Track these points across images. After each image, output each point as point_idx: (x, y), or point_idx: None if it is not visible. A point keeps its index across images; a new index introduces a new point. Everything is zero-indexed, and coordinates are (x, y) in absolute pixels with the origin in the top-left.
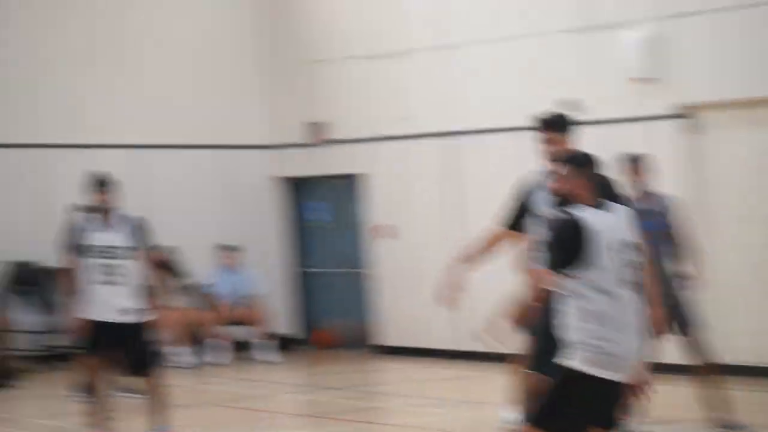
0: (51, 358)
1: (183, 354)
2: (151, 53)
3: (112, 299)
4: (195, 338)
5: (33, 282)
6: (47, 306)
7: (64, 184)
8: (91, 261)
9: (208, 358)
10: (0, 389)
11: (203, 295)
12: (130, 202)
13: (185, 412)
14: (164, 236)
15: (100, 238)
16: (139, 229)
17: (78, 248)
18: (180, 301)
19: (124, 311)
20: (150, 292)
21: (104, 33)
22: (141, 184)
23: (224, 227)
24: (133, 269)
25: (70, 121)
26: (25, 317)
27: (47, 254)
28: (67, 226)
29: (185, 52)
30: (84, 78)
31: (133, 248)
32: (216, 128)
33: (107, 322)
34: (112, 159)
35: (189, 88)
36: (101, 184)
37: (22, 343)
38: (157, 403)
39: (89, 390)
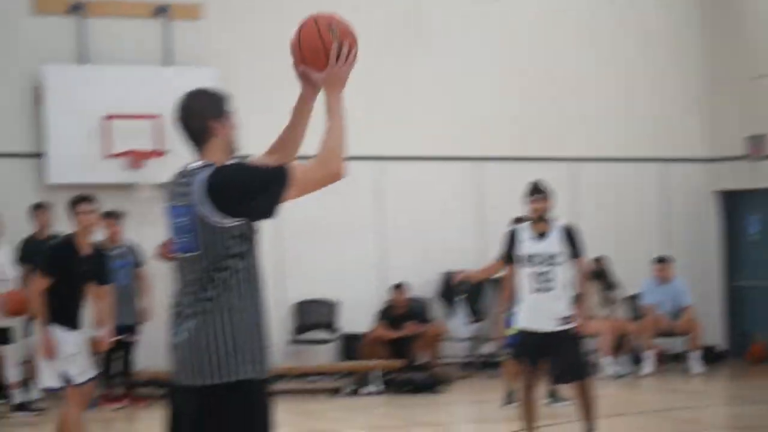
0: (481, 365)
1: (610, 364)
2: (586, 61)
3: (546, 308)
4: (622, 348)
5: (462, 291)
6: (476, 314)
7: (497, 195)
8: (527, 270)
9: (636, 368)
10: (431, 395)
11: (634, 306)
12: (563, 211)
13: (612, 421)
14: (595, 246)
15: (536, 246)
16: (572, 237)
17: (514, 257)
18: (609, 311)
19: (558, 320)
20: (581, 301)
21: None
22: (571, 194)
23: (659, 239)
24: (566, 277)
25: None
26: (455, 325)
27: (472, 264)
28: (506, 235)
29: (620, 62)
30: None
31: (567, 256)
32: (654, 141)
33: (539, 331)
34: (552, 171)
35: (623, 100)
36: (537, 191)
37: (453, 350)
38: (586, 412)
39: (516, 397)
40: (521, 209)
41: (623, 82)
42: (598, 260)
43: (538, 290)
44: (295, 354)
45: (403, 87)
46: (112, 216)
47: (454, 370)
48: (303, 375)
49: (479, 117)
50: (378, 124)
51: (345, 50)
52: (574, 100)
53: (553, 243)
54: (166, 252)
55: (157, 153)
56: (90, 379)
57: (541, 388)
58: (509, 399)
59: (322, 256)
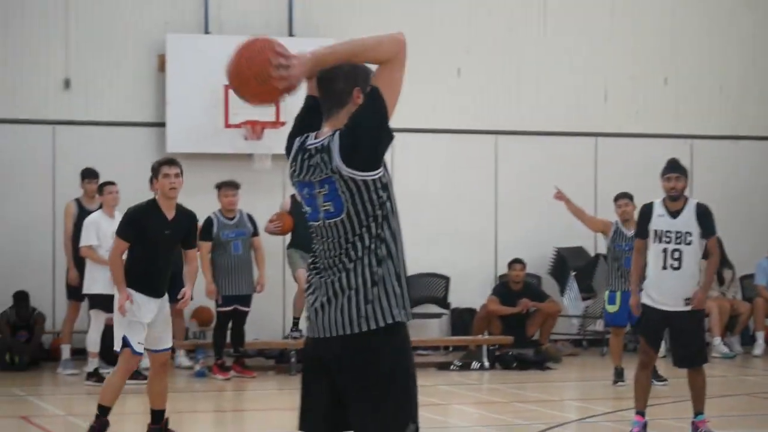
0: (591, 343)
1: (721, 343)
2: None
3: (673, 286)
4: (734, 328)
5: (577, 268)
6: (587, 291)
7: (611, 170)
8: (657, 246)
9: (747, 348)
10: (540, 372)
11: (747, 286)
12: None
13: (721, 401)
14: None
15: (670, 223)
16: (705, 216)
17: (648, 233)
18: (722, 290)
19: (684, 300)
20: (707, 281)
21: None
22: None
23: None
24: (697, 257)
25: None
26: (567, 302)
27: (584, 240)
28: (642, 210)
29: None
30: None
31: (699, 235)
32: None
33: (663, 309)
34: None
35: (743, 79)
36: (675, 169)
37: (564, 327)
38: (697, 396)
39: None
40: (638, 184)
41: (742, 59)
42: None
43: (668, 267)
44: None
45: (519, 60)
46: (229, 186)
47: (564, 347)
48: (413, 348)
49: (596, 92)
50: (494, 98)
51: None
52: (691, 77)
53: (687, 221)
54: (275, 227)
55: (276, 123)
56: (165, 349)
57: (653, 367)
58: (618, 377)
59: (435, 229)
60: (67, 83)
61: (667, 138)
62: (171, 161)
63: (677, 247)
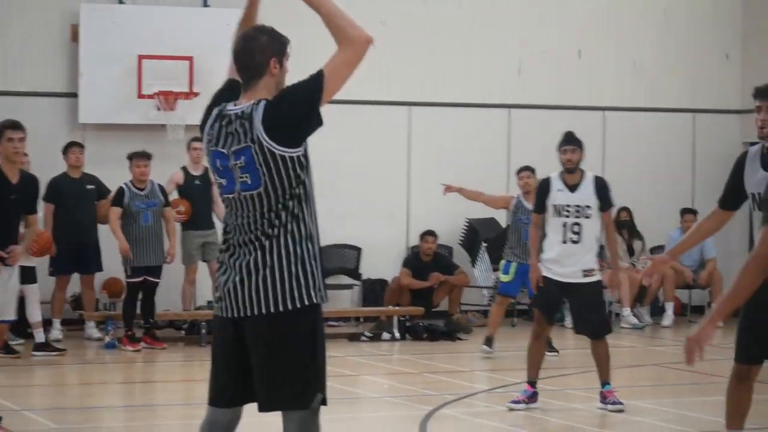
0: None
1: (630, 314)
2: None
3: (573, 259)
4: (643, 299)
5: (488, 239)
6: (497, 262)
7: (526, 143)
8: (556, 220)
9: (656, 319)
10: (450, 342)
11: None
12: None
13: (630, 371)
14: (623, 196)
15: (568, 197)
16: (603, 189)
17: (545, 208)
18: (632, 261)
19: (583, 271)
20: (606, 253)
21: None
22: (600, 144)
23: (688, 190)
24: (596, 230)
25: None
26: (477, 274)
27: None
28: (539, 184)
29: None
30: None
31: (597, 207)
32: (686, 91)
33: (562, 281)
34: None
35: (658, 50)
36: (570, 142)
37: (474, 298)
38: (602, 367)
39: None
40: (548, 158)
41: (659, 31)
42: (623, 210)
43: (567, 241)
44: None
45: (426, 32)
46: (141, 156)
47: (475, 317)
48: (324, 319)
49: (512, 64)
50: (407, 69)
51: None
52: (607, 49)
53: (586, 195)
54: (180, 217)
55: (189, 95)
56: (5, 321)
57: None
58: (488, 343)
59: (348, 200)
60: None
61: (583, 110)
62: (15, 124)
63: (576, 220)
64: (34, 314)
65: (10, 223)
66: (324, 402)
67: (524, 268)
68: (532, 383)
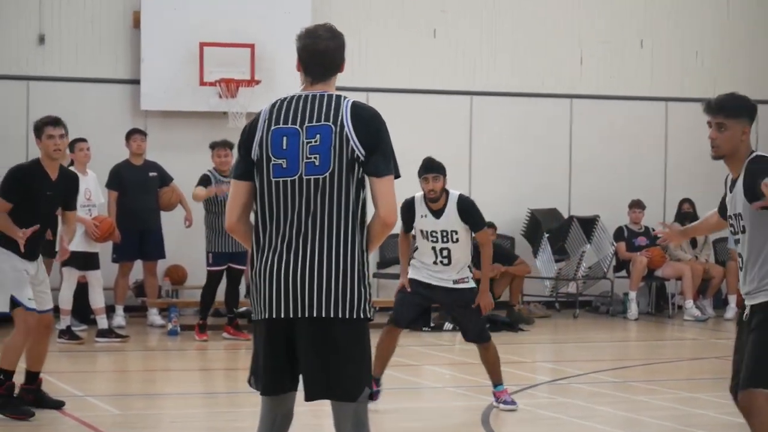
0: (563, 304)
1: (695, 307)
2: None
3: (445, 275)
4: (707, 291)
5: (550, 229)
6: (560, 253)
7: (584, 132)
8: (425, 243)
9: (719, 312)
10: (512, 333)
11: (720, 249)
12: (655, 152)
13: (692, 364)
14: (685, 187)
15: (433, 223)
16: (468, 210)
17: (412, 228)
18: (695, 253)
19: (454, 281)
20: (482, 280)
21: None
22: (662, 134)
23: None
24: (465, 249)
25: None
26: (539, 264)
27: (560, 203)
28: (403, 206)
29: None
30: None
31: (465, 230)
32: (746, 82)
33: (432, 284)
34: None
35: (717, 40)
36: (430, 169)
37: (536, 289)
38: (491, 370)
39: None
40: (609, 148)
41: (722, 20)
42: (686, 202)
43: (438, 264)
44: (378, 288)
45: (487, 22)
46: (222, 146)
47: (537, 308)
48: (385, 309)
49: (574, 54)
50: (467, 59)
51: None
52: (670, 38)
53: (450, 220)
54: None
55: (251, 82)
56: (47, 310)
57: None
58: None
59: (408, 189)
60: (41, 39)
61: (643, 100)
62: (56, 121)
63: (444, 245)
64: (97, 300)
65: (47, 220)
66: (371, 396)
67: None
68: (376, 380)
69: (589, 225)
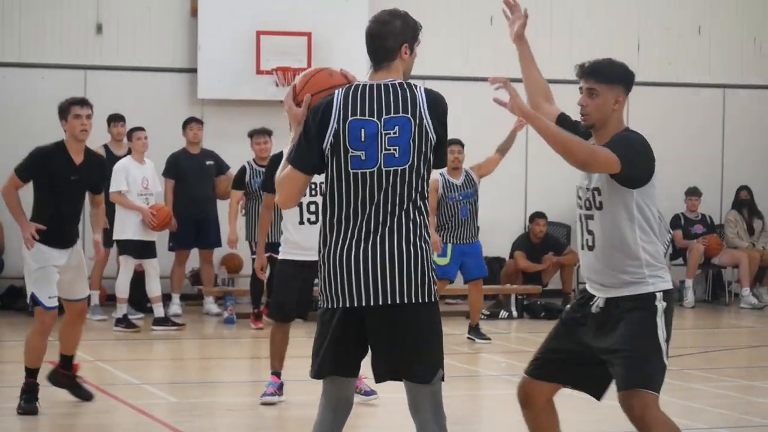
0: None
1: (752, 294)
2: None
3: None
4: (765, 279)
5: None
6: None
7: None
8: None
9: None
10: None
11: None
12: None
13: (750, 352)
14: (743, 175)
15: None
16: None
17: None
18: (753, 241)
19: None
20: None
21: None
22: (721, 121)
23: None
24: None
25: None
26: None
27: None
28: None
29: None
30: None
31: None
32: None
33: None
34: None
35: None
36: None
37: None
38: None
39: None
40: (666, 134)
41: None
42: (743, 190)
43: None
44: None
45: (542, 8)
46: (261, 133)
47: None
48: (441, 297)
49: (631, 41)
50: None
51: None
52: (728, 25)
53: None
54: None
55: (303, 70)
56: (80, 299)
57: None
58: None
59: None
60: (99, 28)
61: (700, 87)
62: (83, 101)
63: None
64: (154, 289)
65: (72, 205)
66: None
67: (460, 249)
68: (277, 374)
69: None
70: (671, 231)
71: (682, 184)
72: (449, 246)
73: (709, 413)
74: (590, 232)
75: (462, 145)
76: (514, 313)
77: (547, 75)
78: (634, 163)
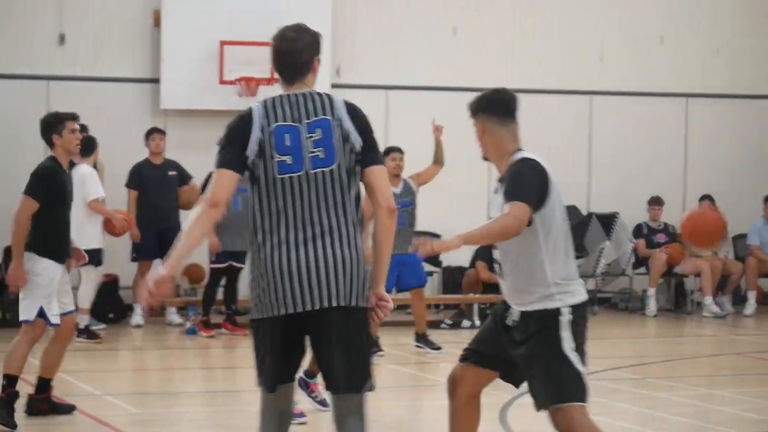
0: None
1: (714, 303)
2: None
3: None
4: (726, 288)
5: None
6: (578, 250)
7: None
8: None
9: (739, 308)
10: None
11: (740, 246)
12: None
13: (710, 360)
14: (705, 185)
15: None
16: None
17: None
18: (714, 250)
19: None
20: None
21: None
22: (682, 133)
23: (761, 178)
24: None
25: None
26: None
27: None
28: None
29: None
30: None
31: None
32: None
33: None
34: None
35: (740, 38)
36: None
37: None
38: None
39: None
40: (630, 145)
41: (742, 16)
42: (706, 198)
43: None
44: None
45: (516, 19)
46: None
47: None
48: (403, 306)
49: (594, 50)
50: (490, 57)
51: None
52: (691, 35)
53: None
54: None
55: (270, 80)
56: (71, 311)
57: None
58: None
59: (430, 187)
60: (62, 38)
61: (663, 96)
62: (75, 115)
63: None
64: (84, 297)
65: (69, 216)
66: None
67: (397, 259)
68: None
69: (608, 222)
70: (633, 240)
71: (644, 193)
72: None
73: (671, 422)
74: (498, 261)
75: (402, 152)
76: (477, 323)
77: (513, 85)
78: (531, 194)
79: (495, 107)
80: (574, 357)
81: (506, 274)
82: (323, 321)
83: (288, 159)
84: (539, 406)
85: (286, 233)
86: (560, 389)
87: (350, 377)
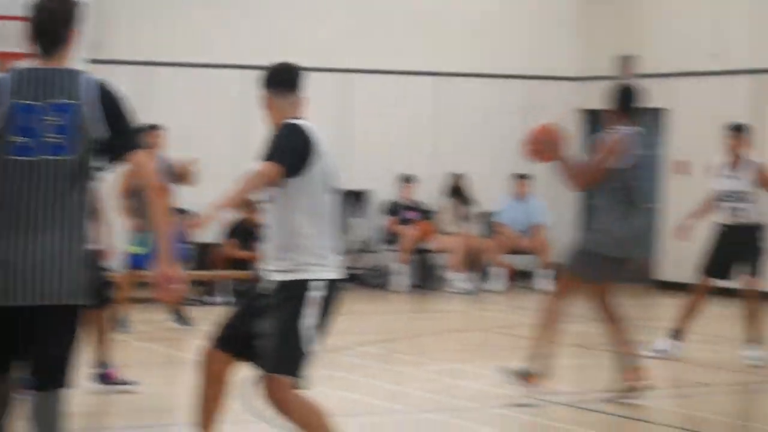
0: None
1: (462, 280)
2: None
3: None
4: (475, 265)
5: None
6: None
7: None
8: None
9: (487, 284)
10: None
11: (489, 223)
12: (424, 125)
13: (456, 335)
14: (456, 162)
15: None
16: None
17: None
18: (464, 227)
19: None
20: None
21: None
22: (435, 109)
23: (522, 158)
24: None
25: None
26: None
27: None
28: None
29: None
30: None
31: None
32: (526, 58)
33: None
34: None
35: (499, 17)
36: None
37: None
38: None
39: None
40: (383, 121)
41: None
42: (457, 176)
43: None
44: None
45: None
46: None
47: None
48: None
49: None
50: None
51: None
52: (448, 14)
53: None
54: None
55: (26, 55)
56: None
57: None
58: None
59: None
60: None
61: (417, 75)
62: None
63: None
64: None
65: None
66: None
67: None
68: None
69: (359, 199)
70: (386, 217)
71: (395, 170)
72: (149, 234)
73: (417, 396)
74: (267, 224)
75: (162, 129)
76: (226, 299)
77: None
78: (285, 155)
79: (276, 80)
80: (305, 335)
81: (267, 237)
82: (33, 317)
83: (21, 140)
84: (259, 366)
85: (8, 220)
86: (280, 360)
87: (53, 375)
